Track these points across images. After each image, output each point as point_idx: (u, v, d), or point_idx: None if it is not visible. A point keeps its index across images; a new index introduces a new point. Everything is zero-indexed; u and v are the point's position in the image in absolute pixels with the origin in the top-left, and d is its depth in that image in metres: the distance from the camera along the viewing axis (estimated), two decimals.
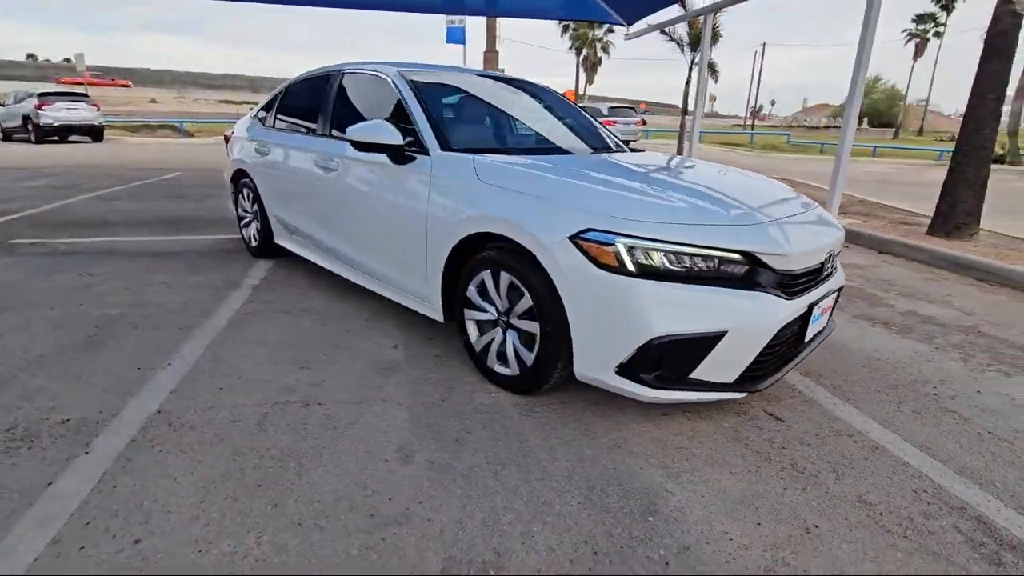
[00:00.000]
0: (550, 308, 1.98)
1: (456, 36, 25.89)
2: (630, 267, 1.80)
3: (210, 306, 3.14)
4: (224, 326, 2.86)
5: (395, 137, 2.49)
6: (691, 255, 1.82)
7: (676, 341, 1.79)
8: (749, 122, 50.63)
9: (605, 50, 40.56)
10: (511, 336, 2.21)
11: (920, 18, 42.22)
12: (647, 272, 1.81)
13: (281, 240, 3.83)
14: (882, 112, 60.20)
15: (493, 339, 2.29)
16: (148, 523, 1.49)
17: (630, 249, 1.80)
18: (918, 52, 43.82)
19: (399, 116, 2.72)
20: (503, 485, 1.71)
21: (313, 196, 3.25)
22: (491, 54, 26.53)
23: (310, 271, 3.82)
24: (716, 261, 1.85)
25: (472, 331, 2.39)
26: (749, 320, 1.84)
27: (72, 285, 3.42)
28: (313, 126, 3.33)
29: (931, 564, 1.46)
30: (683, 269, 1.83)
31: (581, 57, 40.76)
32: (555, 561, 1.43)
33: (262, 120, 3.98)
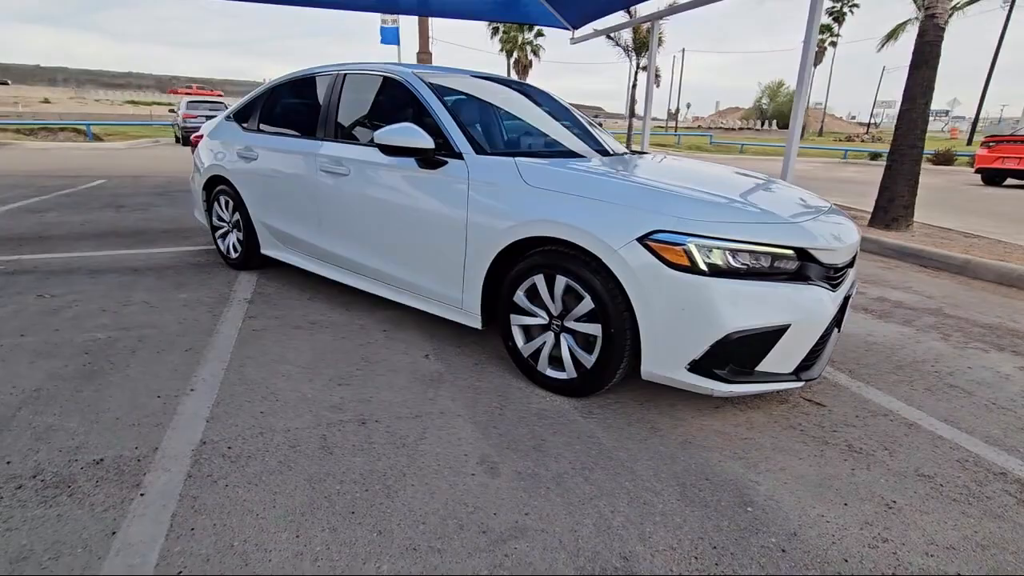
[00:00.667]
0: (615, 310, 2.00)
1: (390, 37, 25.43)
2: (702, 266, 1.86)
3: (209, 324, 2.90)
4: (235, 345, 2.66)
5: (426, 141, 2.42)
6: (752, 252, 1.90)
7: (747, 336, 1.87)
8: (671, 124, 53.16)
9: (535, 53, 41.19)
10: (566, 339, 2.21)
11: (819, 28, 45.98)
12: (716, 270, 1.87)
13: (269, 250, 3.60)
14: (787, 115, 65.53)
15: (544, 343, 2.28)
16: (249, 565, 1.37)
17: (700, 248, 1.86)
18: (818, 60, 47.74)
19: (416, 119, 2.65)
20: (599, 489, 1.71)
21: (315, 203, 3.08)
22: (424, 55, 26.30)
23: (303, 282, 3.62)
24: (771, 257, 1.94)
25: (518, 336, 2.36)
26: (807, 312, 1.95)
27: (36, 309, 3.04)
28: (312, 129, 3.16)
29: (1000, 525, 1.62)
30: (744, 266, 1.90)
31: (512, 60, 41.15)
32: (681, 559, 1.45)
33: (242, 123, 3.72)
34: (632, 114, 17.71)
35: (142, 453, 1.79)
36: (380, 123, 2.89)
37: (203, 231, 5.00)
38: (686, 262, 1.86)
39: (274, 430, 1.95)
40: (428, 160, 2.49)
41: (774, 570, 1.42)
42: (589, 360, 2.14)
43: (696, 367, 1.92)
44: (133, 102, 42.53)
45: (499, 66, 43.08)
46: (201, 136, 4.09)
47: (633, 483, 1.75)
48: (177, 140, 18.81)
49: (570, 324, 2.18)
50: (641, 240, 1.91)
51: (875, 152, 22.60)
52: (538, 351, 2.30)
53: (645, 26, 8.36)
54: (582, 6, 9.84)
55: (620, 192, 2.09)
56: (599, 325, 2.07)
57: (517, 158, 2.35)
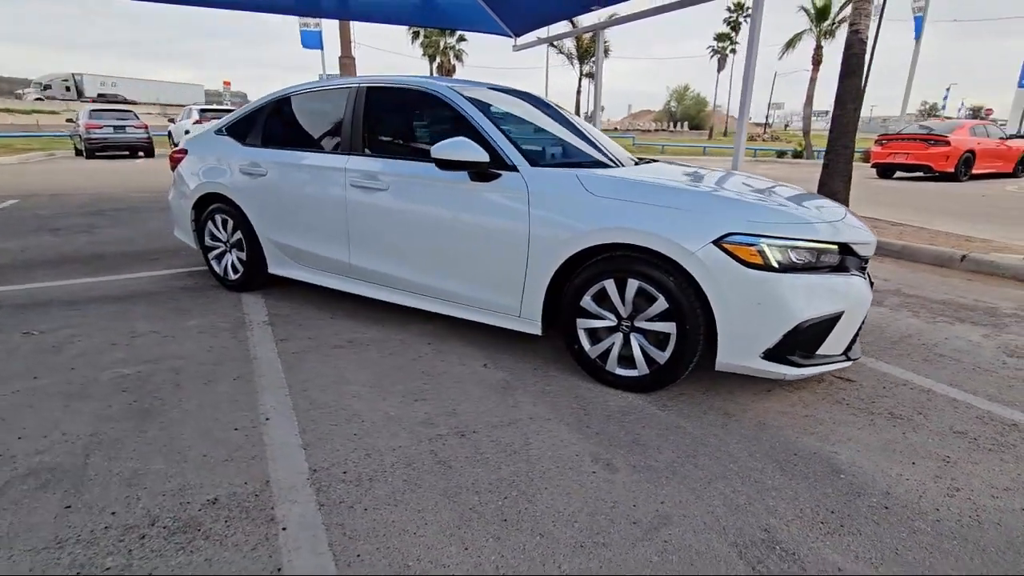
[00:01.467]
0: (689, 308, 2.17)
1: (312, 41, 24.58)
2: (773, 263, 2.06)
3: (240, 351, 2.77)
4: (283, 370, 2.56)
5: (481, 154, 2.47)
6: (808, 249, 2.14)
7: (813, 323, 2.10)
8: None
9: (458, 58, 41.24)
10: (637, 339, 2.34)
11: (719, 37, 49.68)
12: (784, 267, 2.08)
13: (278, 269, 3.46)
14: (693, 116, 70.17)
15: (613, 344, 2.40)
16: None
17: (771, 247, 2.07)
18: (720, 66, 51.50)
19: (458, 132, 2.69)
20: (710, 473, 1.86)
21: (343, 218, 3.02)
22: (347, 60, 25.69)
23: (316, 301, 3.51)
24: (817, 252, 2.18)
25: (584, 340, 2.46)
26: (854, 299, 2.21)
27: (32, 348, 2.75)
28: (335, 143, 3.09)
29: None
30: (802, 262, 2.13)
31: (435, 64, 40.94)
32: (812, 525, 1.62)
33: (240, 138, 3.54)
34: None
35: (255, 488, 1.72)
36: (418, 137, 2.91)
37: (177, 251, 4.70)
38: (760, 260, 2.06)
39: (379, 451, 1.94)
40: (481, 174, 2.54)
41: (887, 525, 1.63)
42: (663, 356, 2.28)
43: (769, 355, 2.12)
44: (8, 110, 37.80)
45: (422, 71, 42.71)
46: (183, 152, 3.84)
47: (736, 465, 1.91)
48: (79, 152, 17.08)
49: (641, 324, 2.32)
50: (716, 242, 2.09)
51: (781, 150, 24.77)
52: (606, 352, 2.42)
53: (589, 35, 8.71)
54: (526, 15, 10.09)
55: (688, 199, 2.26)
56: (673, 323, 2.22)
57: (577, 170, 2.46)
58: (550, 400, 2.33)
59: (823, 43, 22.94)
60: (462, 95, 2.76)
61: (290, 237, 3.31)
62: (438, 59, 40.68)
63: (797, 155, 23.38)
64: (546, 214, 2.42)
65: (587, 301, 2.40)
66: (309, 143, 3.26)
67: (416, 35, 40.39)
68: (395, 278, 2.94)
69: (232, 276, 3.66)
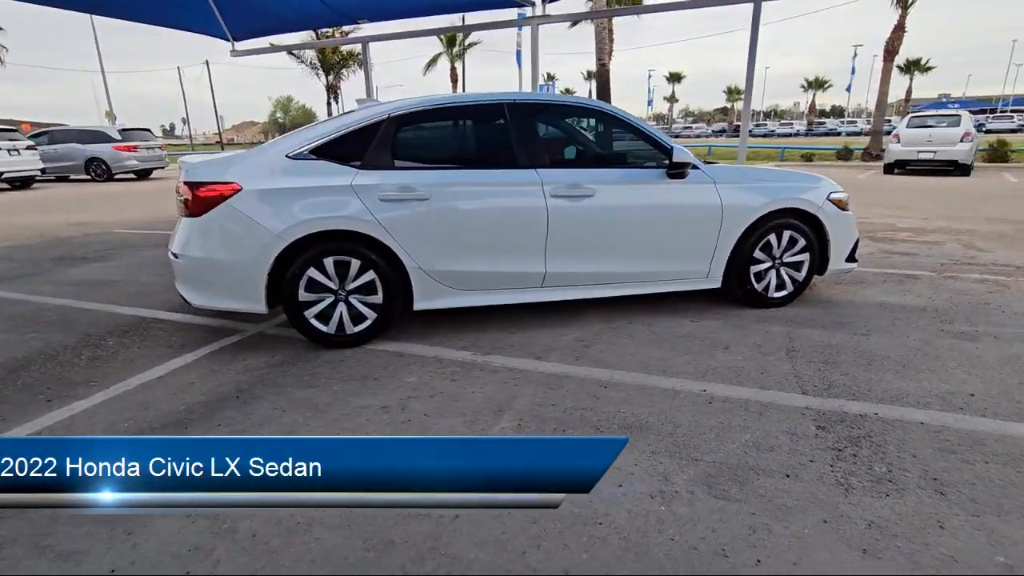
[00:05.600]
0: (816, 242, 3.55)
1: None
2: (847, 207, 3.65)
3: (497, 383, 2.68)
4: (605, 367, 2.71)
5: (690, 157, 3.21)
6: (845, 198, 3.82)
7: (858, 238, 3.80)
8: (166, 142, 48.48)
9: None
10: (784, 270, 3.58)
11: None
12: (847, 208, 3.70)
13: (430, 302, 3.11)
14: (301, 125, 70.57)
15: (771, 278, 3.57)
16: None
17: (847, 199, 3.65)
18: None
19: (638, 143, 3.31)
20: (901, 325, 3.31)
21: (541, 229, 3.09)
22: None
23: (455, 329, 3.31)
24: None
25: (754, 281, 3.54)
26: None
27: None
28: (512, 158, 3.08)
29: None
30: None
31: None
32: (981, 324, 3.28)
33: (347, 160, 2.90)
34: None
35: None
36: (606, 147, 3.30)
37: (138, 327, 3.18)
38: (844, 206, 3.61)
39: (783, 372, 2.63)
40: (679, 172, 3.25)
41: (998, 317, 3.44)
42: (800, 276, 3.61)
43: (847, 259, 3.72)
44: None
45: None
46: (226, 186, 2.78)
47: (889, 318, 3.42)
48: None
49: (786, 259, 3.57)
50: (828, 198, 3.53)
51: None
52: (767, 285, 3.57)
53: (345, 47, 8.62)
54: (260, 20, 9.21)
55: (800, 178, 3.63)
56: (807, 254, 3.57)
57: (736, 164, 3.47)
58: (771, 324, 3.35)
59: (456, 64, 27.58)
60: (624, 112, 3.33)
61: (460, 262, 3.06)
62: None
63: None
64: (730, 197, 3.35)
65: (757, 252, 3.49)
66: (470, 161, 3.08)
67: None
68: (598, 274, 3.27)
69: (353, 328, 3.00)
